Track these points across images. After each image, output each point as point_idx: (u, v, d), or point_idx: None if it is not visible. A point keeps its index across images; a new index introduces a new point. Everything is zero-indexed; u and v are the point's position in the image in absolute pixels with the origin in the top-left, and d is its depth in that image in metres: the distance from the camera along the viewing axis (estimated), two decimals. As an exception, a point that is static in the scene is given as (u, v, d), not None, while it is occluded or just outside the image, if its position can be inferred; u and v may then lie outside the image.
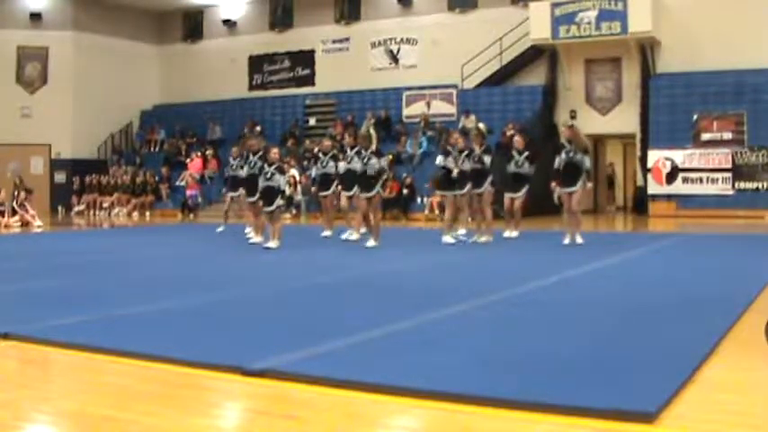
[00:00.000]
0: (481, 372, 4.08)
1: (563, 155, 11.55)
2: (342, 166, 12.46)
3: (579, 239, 11.59)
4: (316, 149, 14.51)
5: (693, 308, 6.14)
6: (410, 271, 9.05)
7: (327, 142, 14.47)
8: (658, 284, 7.57)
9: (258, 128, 24.22)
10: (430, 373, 4.02)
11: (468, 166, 11.92)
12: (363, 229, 12.61)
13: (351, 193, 12.36)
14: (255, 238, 12.45)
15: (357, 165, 11.84)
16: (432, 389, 3.69)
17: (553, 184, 11.78)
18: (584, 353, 4.54)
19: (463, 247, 11.34)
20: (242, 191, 13.08)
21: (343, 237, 12.95)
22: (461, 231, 12.72)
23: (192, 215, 22.54)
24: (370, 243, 11.55)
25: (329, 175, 13.40)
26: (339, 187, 12.97)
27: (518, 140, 13.24)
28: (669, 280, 7.96)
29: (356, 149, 12.09)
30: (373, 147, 12.06)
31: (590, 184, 11.95)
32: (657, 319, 5.67)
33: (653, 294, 6.87)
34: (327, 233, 13.52)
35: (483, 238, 12.13)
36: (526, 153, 12.84)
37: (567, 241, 11.56)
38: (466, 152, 12.02)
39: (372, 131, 19.84)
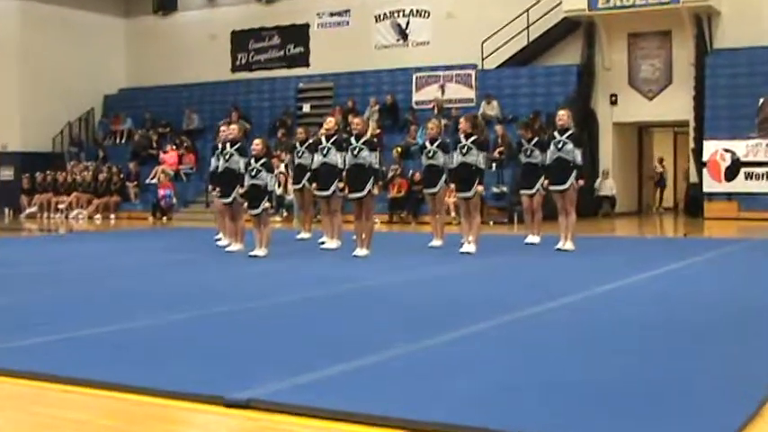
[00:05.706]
0: (504, 403, 4.08)
1: (552, 147, 11.87)
2: (317, 159, 12.52)
3: (568, 245, 11.96)
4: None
5: (757, 329, 6.12)
6: (416, 283, 9.06)
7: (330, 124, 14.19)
8: (714, 301, 7.56)
9: (234, 115, 24.00)
10: (441, 404, 4.02)
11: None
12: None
13: (328, 192, 12.40)
14: (234, 246, 12.32)
15: (335, 158, 11.94)
16: (443, 421, 3.70)
17: (545, 182, 12.23)
18: (625, 381, 4.54)
19: (478, 257, 11.34)
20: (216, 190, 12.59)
21: (323, 246, 12.93)
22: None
23: (165, 218, 22.59)
24: (362, 252, 11.48)
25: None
26: (314, 185, 12.96)
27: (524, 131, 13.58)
28: (728, 295, 7.95)
29: (333, 139, 12.16)
30: (367, 135, 11.92)
31: (581, 182, 12.08)
32: (713, 341, 5.66)
33: (707, 313, 6.85)
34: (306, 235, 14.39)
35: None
36: (536, 140, 12.87)
37: (559, 245, 11.96)
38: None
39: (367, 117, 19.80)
